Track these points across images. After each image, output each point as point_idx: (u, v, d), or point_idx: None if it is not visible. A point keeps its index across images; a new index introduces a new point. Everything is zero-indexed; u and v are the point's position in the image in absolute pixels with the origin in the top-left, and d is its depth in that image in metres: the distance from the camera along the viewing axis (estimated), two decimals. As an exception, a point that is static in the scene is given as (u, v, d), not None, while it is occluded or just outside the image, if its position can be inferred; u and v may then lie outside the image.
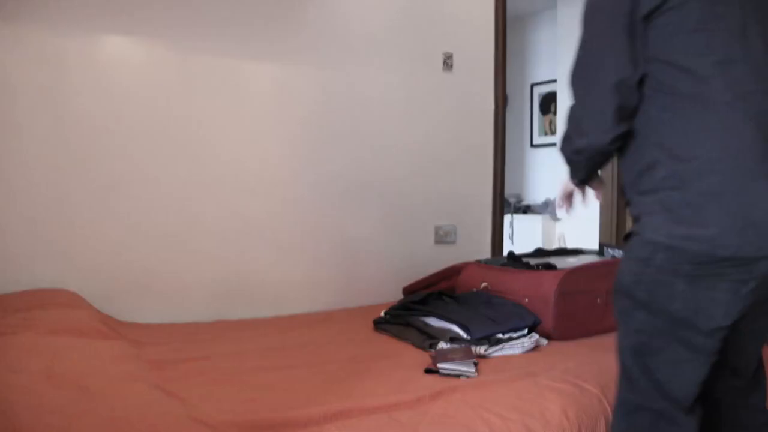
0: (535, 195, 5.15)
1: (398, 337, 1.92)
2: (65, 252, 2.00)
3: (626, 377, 1.12)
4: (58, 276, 1.96)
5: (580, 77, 1.13)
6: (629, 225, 3.25)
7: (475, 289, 2.18)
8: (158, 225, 2.15)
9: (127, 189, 2.10)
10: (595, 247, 2.66)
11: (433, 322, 1.92)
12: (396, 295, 2.49)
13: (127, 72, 2.10)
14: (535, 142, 5.26)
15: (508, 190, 3.58)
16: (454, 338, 1.77)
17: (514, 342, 1.78)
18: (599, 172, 1.28)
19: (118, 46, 2.09)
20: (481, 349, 1.73)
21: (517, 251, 2.43)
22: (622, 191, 2.85)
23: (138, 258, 2.11)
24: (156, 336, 1.86)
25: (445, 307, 2.00)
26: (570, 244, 3.72)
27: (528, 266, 2.15)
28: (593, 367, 1.60)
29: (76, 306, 1.76)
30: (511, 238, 4.66)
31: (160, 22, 2.15)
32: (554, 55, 4.54)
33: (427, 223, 2.78)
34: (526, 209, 4.92)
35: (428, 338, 1.81)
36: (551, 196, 4.68)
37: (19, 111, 1.93)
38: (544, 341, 1.87)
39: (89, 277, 2.01)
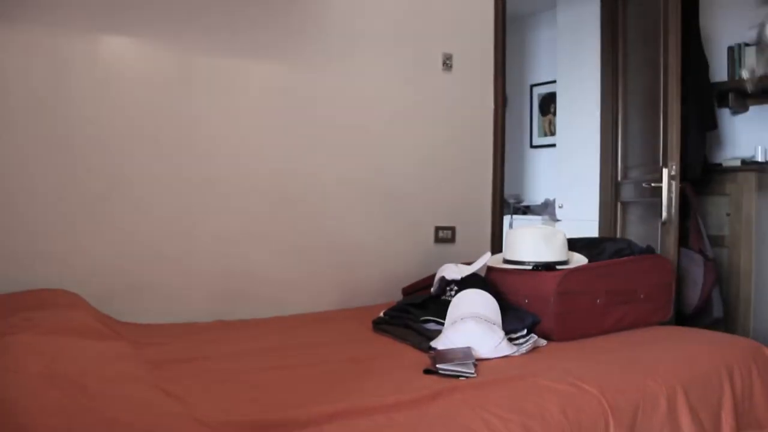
0: (535, 195, 5.16)
1: (397, 337, 1.92)
2: (65, 252, 2.00)
3: None
4: (58, 276, 1.95)
5: None
6: (629, 224, 3.25)
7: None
8: (158, 225, 2.15)
9: (127, 189, 2.10)
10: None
11: (432, 327, 1.93)
12: (396, 296, 2.48)
13: (127, 73, 2.10)
14: (534, 143, 5.26)
15: (508, 191, 3.58)
16: (453, 339, 1.76)
17: (513, 343, 1.78)
18: None
19: (118, 47, 2.09)
20: (480, 350, 1.73)
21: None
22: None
23: (138, 258, 2.11)
24: (156, 336, 1.85)
25: (445, 310, 2.00)
26: (569, 245, 3.70)
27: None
28: (593, 367, 1.60)
29: (76, 306, 1.76)
30: (511, 238, 4.65)
31: (159, 22, 2.15)
32: (554, 56, 4.54)
33: (427, 224, 2.78)
34: (526, 210, 4.92)
35: (427, 339, 1.81)
36: (550, 197, 4.68)
37: (20, 111, 1.93)
38: (544, 342, 1.87)
39: (89, 277, 2.01)
